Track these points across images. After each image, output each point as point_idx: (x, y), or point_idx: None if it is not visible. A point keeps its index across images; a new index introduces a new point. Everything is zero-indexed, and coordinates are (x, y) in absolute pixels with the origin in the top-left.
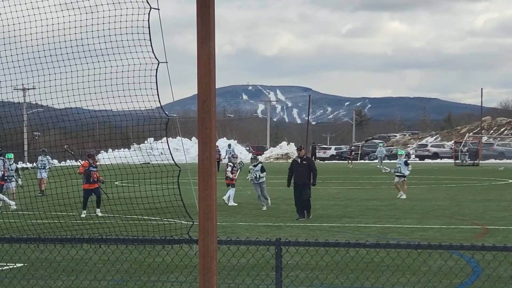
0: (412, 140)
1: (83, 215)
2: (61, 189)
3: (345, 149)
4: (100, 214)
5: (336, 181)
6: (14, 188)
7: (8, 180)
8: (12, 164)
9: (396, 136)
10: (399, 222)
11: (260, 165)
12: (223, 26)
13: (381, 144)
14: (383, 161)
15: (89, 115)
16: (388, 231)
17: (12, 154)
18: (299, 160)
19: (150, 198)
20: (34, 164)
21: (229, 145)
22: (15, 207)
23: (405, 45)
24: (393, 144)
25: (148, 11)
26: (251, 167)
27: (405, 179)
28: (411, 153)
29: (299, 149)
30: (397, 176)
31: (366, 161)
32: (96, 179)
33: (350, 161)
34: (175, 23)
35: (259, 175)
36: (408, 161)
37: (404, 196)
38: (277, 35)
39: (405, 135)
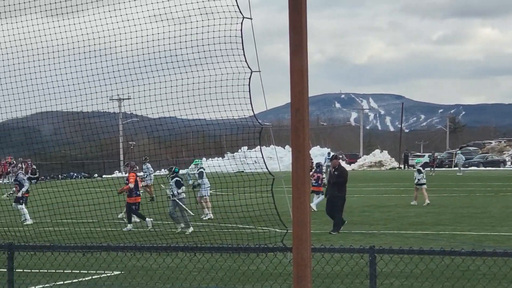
0: (507, 147)
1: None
2: (155, 198)
3: (439, 156)
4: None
5: (429, 188)
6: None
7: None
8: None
9: (491, 143)
10: (495, 230)
11: (175, 179)
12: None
13: (459, 152)
14: (462, 168)
15: (183, 124)
16: (483, 239)
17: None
18: (332, 170)
19: (244, 207)
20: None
21: (329, 153)
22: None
23: (498, 51)
24: (488, 151)
25: (241, 21)
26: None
27: (418, 186)
28: (506, 160)
29: (331, 159)
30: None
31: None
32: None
33: (432, 169)
34: (265, 32)
35: (177, 192)
36: (421, 170)
37: (428, 202)
38: (368, 43)
39: (501, 142)
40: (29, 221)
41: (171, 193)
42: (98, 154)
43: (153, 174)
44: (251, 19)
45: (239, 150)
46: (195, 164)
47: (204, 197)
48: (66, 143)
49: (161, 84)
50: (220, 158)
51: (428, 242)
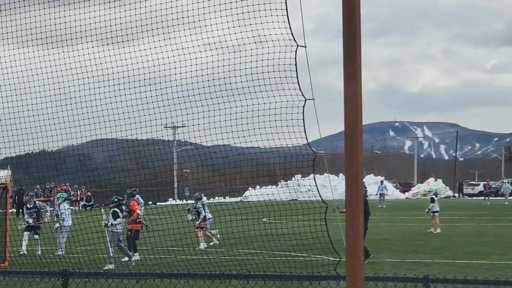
0: None
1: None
2: (209, 226)
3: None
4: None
5: (484, 217)
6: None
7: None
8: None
9: None
10: None
11: (113, 209)
12: (367, 63)
13: (506, 181)
14: (509, 197)
15: (237, 152)
16: None
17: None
18: None
19: (298, 235)
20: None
21: (381, 181)
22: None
23: None
24: None
25: (295, 49)
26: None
27: (434, 214)
28: None
29: None
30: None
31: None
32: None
33: (487, 198)
34: (319, 60)
35: (111, 223)
36: (434, 198)
37: (433, 230)
38: (421, 71)
39: None
40: (40, 251)
41: (106, 222)
42: (152, 182)
43: (143, 205)
44: (305, 47)
45: (293, 178)
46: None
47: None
48: (121, 170)
49: (215, 112)
50: (274, 186)
51: (482, 272)
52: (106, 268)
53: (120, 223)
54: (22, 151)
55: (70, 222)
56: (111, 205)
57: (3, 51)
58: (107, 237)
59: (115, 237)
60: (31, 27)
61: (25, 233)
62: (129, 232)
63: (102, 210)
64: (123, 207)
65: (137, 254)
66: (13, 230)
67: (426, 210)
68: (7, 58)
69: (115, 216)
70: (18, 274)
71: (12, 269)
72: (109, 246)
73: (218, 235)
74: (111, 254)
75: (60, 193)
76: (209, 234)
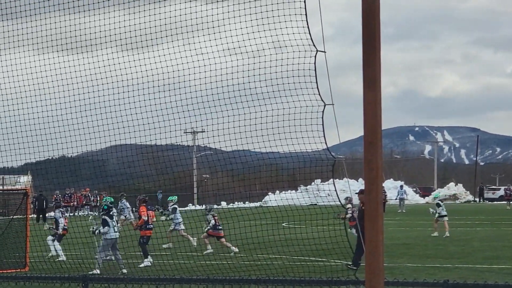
0: None
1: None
2: (228, 231)
3: None
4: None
5: (505, 222)
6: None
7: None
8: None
9: None
10: None
11: (104, 217)
12: (386, 68)
13: None
14: None
15: (256, 157)
16: None
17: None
18: (361, 205)
19: (317, 239)
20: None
21: (401, 186)
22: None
23: None
24: None
25: (315, 54)
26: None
27: (440, 218)
28: None
29: (359, 193)
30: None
31: None
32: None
33: (509, 203)
34: (338, 65)
35: (100, 230)
36: (440, 203)
37: (436, 234)
38: (441, 76)
39: None
40: (63, 257)
41: (93, 229)
42: (172, 187)
43: (130, 209)
44: (324, 52)
45: (312, 183)
46: (169, 201)
47: (179, 231)
48: (140, 176)
49: (234, 117)
50: (293, 191)
51: (503, 277)
52: (91, 273)
53: (108, 231)
54: (42, 157)
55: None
56: (102, 212)
57: (23, 57)
58: (96, 243)
59: (108, 243)
60: (51, 33)
61: (50, 237)
62: (141, 239)
63: (90, 216)
64: (126, 213)
65: (147, 259)
66: (33, 236)
67: (436, 215)
68: (28, 64)
69: (104, 223)
70: (39, 279)
71: (32, 275)
72: (98, 251)
73: (194, 241)
74: (100, 259)
75: (106, 197)
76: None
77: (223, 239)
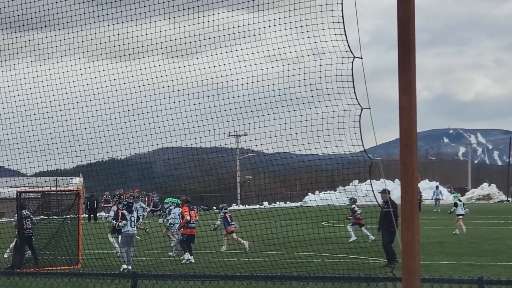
0: None
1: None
2: (270, 230)
3: None
4: (193, 260)
5: None
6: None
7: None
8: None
9: None
10: None
11: (122, 211)
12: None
13: None
14: None
15: (297, 159)
16: None
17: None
18: (383, 204)
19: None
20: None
21: (437, 187)
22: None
23: None
24: None
25: (352, 60)
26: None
27: (459, 217)
28: None
29: (381, 193)
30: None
31: None
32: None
33: None
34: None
35: (118, 224)
36: (458, 203)
37: (457, 232)
38: (474, 80)
39: None
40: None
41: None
42: (216, 188)
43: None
44: (361, 58)
45: (350, 184)
46: (165, 202)
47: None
48: (186, 177)
49: (275, 121)
50: (332, 191)
51: None
52: (121, 269)
53: (125, 225)
54: (93, 160)
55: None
56: (122, 208)
57: (75, 64)
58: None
59: (126, 238)
60: (100, 42)
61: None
62: (182, 236)
63: (104, 214)
64: (141, 211)
65: (188, 255)
66: (85, 235)
67: (457, 213)
68: (79, 71)
69: (123, 217)
70: (90, 276)
71: (84, 271)
72: (119, 247)
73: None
74: (124, 255)
75: (168, 198)
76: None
77: (233, 234)
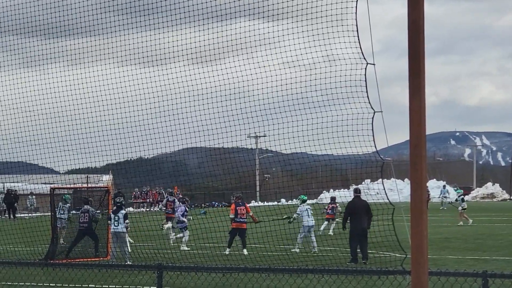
0: None
1: (227, 252)
2: (288, 225)
3: None
4: (246, 253)
5: None
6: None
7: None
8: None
9: None
10: None
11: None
12: (429, 79)
13: None
14: None
15: (313, 159)
16: None
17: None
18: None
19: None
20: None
21: (444, 186)
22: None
23: None
24: None
25: (365, 66)
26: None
27: (461, 210)
28: None
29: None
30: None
31: None
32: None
33: None
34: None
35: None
36: (464, 198)
37: (461, 224)
38: (478, 86)
39: None
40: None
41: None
42: (237, 185)
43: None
44: (374, 64)
45: (363, 183)
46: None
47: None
48: (209, 175)
49: (293, 123)
50: (346, 190)
51: None
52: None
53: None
54: (122, 158)
55: (311, 223)
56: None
57: (106, 69)
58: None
59: (114, 236)
60: (129, 48)
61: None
62: (230, 231)
63: (131, 209)
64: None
65: (228, 249)
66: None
67: (460, 208)
68: (110, 75)
69: (109, 218)
70: (119, 267)
71: (113, 263)
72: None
73: (172, 240)
74: (114, 251)
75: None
76: None
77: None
